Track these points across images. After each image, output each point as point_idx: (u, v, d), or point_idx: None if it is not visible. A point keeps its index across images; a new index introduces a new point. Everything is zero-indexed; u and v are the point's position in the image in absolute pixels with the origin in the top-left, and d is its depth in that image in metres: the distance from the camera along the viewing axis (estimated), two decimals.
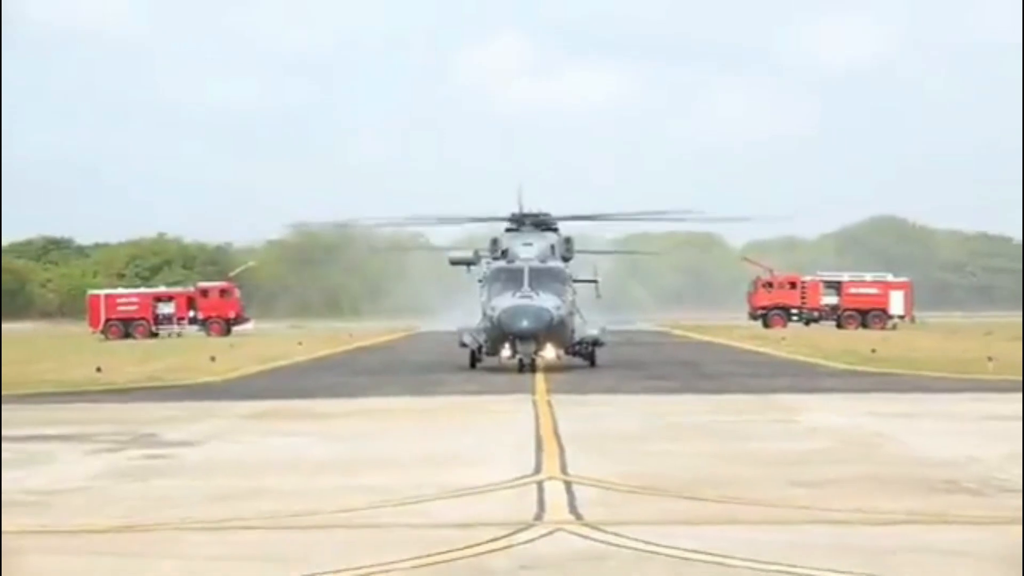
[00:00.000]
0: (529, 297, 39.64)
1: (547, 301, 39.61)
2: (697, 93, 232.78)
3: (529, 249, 43.19)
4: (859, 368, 41.11)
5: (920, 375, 37.07)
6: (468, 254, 48.63)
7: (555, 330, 39.72)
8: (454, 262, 49.38)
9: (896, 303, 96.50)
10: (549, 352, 40.10)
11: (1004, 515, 13.50)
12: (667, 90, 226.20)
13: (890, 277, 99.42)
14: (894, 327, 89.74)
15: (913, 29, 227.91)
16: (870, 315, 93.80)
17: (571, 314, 41.78)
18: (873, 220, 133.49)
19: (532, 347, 39.15)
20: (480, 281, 46.05)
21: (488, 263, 44.98)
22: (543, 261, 42.71)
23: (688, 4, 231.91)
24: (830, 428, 23.11)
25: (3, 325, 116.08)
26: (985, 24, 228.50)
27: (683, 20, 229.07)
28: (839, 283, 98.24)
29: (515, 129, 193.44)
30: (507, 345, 39.86)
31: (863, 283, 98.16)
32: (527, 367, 39.05)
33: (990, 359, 43.20)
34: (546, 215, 46.99)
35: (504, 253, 44.02)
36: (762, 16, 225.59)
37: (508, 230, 46.69)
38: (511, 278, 41.15)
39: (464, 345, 42.84)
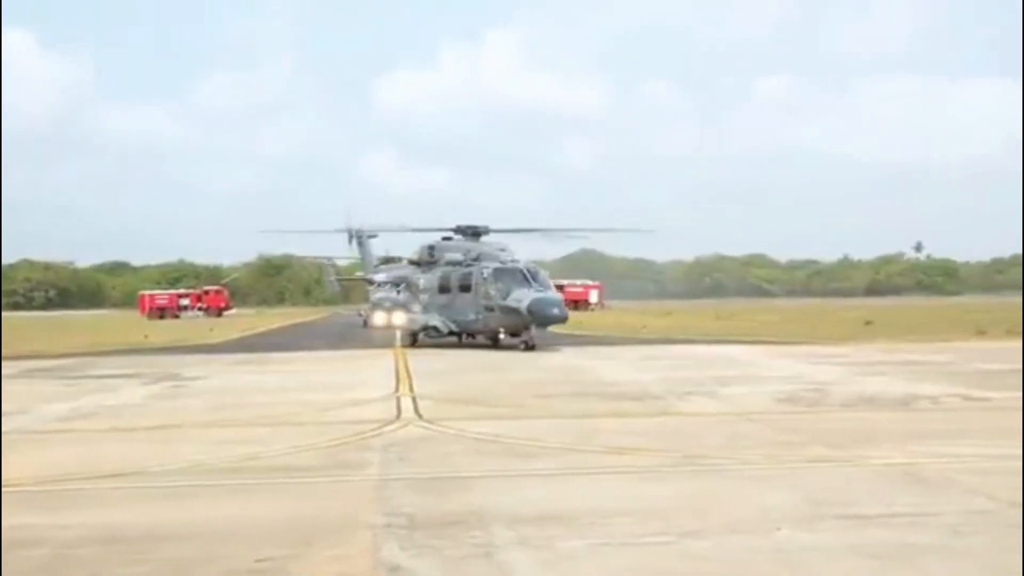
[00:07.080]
0: (542, 291, 29.13)
1: (556, 294, 29.97)
2: (499, 184, 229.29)
3: (503, 253, 31.85)
4: (574, 332, 41.50)
5: (607, 335, 37.70)
6: (427, 256, 34.06)
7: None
8: (412, 262, 35.89)
9: (594, 296, 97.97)
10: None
11: (651, 412, 13.86)
12: (478, 181, 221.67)
13: (590, 282, 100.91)
14: (593, 310, 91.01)
15: (611, 147, 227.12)
16: (580, 303, 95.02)
17: None
18: (582, 252, 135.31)
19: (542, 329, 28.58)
20: (421, 277, 34.13)
21: (470, 264, 31.72)
22: (515, 263, 31.01)
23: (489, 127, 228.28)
24: (555, 365, 23.30)
25: (90, 312, 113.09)
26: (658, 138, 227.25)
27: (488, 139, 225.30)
28: (562, 286, 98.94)
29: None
30: (508, 328, 29.56)
31: (576, 285, 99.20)
32: (528, 347, 28.56)
33: (644, 326, 44.26)
34: (484, 227, 34.05)
35: (477, 258, 31.64)
36: (529, 138, 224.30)
37: (445, 239, 34.27)
38: (514, 277, 29.65)
39: (421, 329, 32.67)
